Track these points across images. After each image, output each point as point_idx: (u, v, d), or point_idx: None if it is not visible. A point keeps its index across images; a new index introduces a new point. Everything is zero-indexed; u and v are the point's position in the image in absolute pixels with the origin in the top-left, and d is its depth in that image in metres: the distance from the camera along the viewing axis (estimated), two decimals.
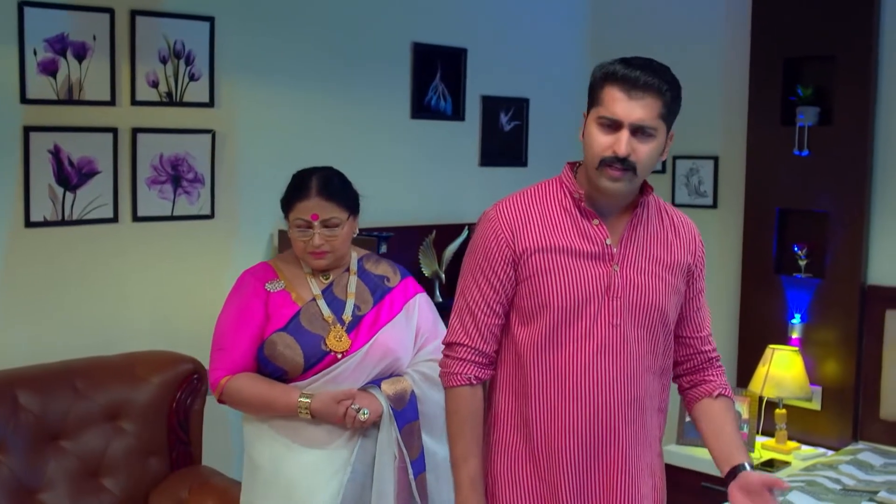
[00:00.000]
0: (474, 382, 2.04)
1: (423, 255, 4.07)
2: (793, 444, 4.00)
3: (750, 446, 3.91)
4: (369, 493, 2.45)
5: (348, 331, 2.50)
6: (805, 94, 4.08)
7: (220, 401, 2.51)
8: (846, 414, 4.01)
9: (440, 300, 4.04)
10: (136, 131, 3.30)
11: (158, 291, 3.41)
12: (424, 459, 2.52)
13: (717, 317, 4.38)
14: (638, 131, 1.90)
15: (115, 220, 3.28)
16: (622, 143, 1.89)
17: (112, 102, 3.24)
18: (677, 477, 4.04)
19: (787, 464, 3.82)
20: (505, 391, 2.06)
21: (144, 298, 3.37)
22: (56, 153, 3.12)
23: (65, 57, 3.11)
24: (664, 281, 2.02)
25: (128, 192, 3.31)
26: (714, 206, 4.50)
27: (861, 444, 3.91)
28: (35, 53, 3.05)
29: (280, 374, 2.47)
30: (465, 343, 2.03)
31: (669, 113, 1.93)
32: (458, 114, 4.34)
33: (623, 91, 1.89)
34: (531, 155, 4.66)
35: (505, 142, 4.57)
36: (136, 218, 3.33)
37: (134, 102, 3.29)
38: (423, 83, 4.20)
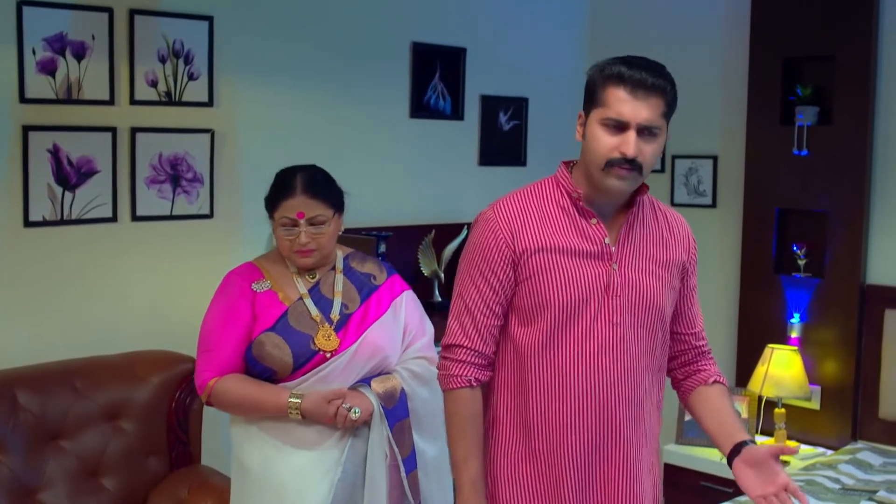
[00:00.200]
0: (474, 384, 2.03)
1: (423, 254, 4.07)
2: (792, 443, 4.00)
3: None
4: (360, 493, 2.44)
5: (336, 329, 2.49)
6: (804, 93, 4.08)
7: (208, 403, 2.49)
8: (845, 413, 4.01)
9: (439, 300, 4.04)
10: (135, 131, 3.30)
11: (157, 291, 3.41)
12: (415, 457, 2.51)
13: (716, 316, 4.41)
14: (644, 131, 1.91)
15: (114, 219, 3.28)
16: (630, 144, 1.89)
17: (111, 102, 3.24)
18: (677, 476, 4.05)
19: (786, 463, 3.82)
20: (503, 392, 2.05)
21: (143, 298, 3.37)
22: (55, 153, 3.12)
23: (64, 56, 3.11)
24: (661, 279, 2.03)
25: (127, 191, 3.31)
26: (713, 205, 4.50)
27: (860, 444, 3.92)
28: (34, 53, 3.05)
29: (269, 375, 2.45)
30: (465, 345, 2.02)
31: (670, 111, 1.95)
32: (457, 113, 4.34)
33: (629, 92, 1.89)
34: (530, 154, 4.67)
35: (504, 141, 4.57)
36: (135, 217, 3.33)
37: (133, 102, 3.29)
38: (423, 83, 4.20)
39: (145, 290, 3.38)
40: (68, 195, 3.16)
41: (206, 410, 3.18)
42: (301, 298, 2.51)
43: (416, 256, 4.06)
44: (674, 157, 4.57)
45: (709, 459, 3.96)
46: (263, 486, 2.43)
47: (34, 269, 3.13)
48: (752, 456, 1.93)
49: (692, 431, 4.10)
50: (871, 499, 3.23)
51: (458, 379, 2.02)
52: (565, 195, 2.02)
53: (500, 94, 4.52)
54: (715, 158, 4.49)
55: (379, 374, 2.51)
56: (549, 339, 1.97)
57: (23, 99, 3.05)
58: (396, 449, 2.45)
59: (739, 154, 4.34)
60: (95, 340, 3.21)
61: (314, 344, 2.45)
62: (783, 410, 3.98)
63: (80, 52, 3.14)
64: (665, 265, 2.04)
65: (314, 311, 2.50)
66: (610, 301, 1.97)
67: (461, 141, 4.40)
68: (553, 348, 1.97)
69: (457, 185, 4.37)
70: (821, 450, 3.99)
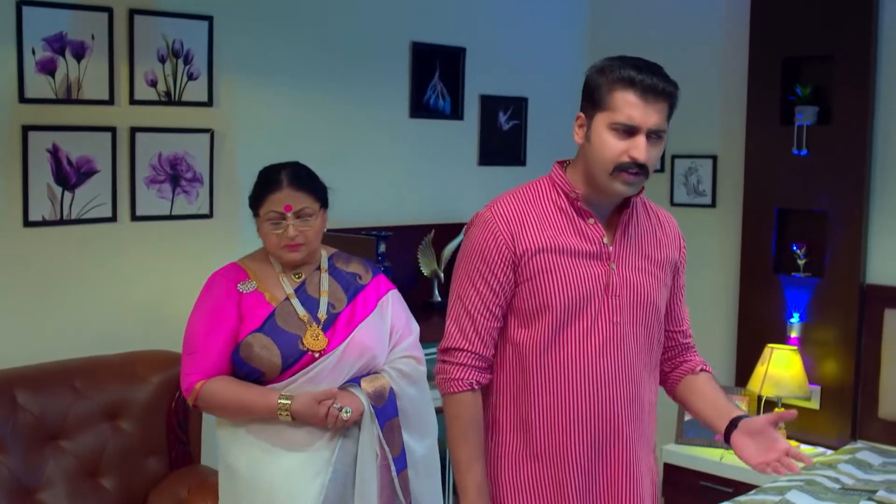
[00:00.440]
0: (475, 388, 2.02)
1: (422, 254, 4.07)
2: (792, 443, 3.99)
3: None
4: (351, 493, 2.42)
5: (324, 329, 2.47)
6: (804, 93, 4.08)
7: (195, 406, 2.46)
8: (845, 413, 4.01)
9: (439, 299, 4.04)
10: (134, 130, 3.30)
11: (157, 291, 3.40)
12: (406, 456, 2.50)
13: (715, 316, 4.41)
14: (652, 135, 1.91)
15: (113, 219, 3.28)
16: (641, 149, 1.89)
17: (111, 102, 3.24)
18: (677, 476, 4.06)
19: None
20: (503, 394, 2.05)
21: (143, 298, 3.37)
22: (55, 152, 3.12)
23: (63, 56, 3.11)
24: (656, 277, 2.05)
25: (126, 191, 3.30)
26: (713, 205, 4.49)
27: (860, 444, 3.92)
28: (33, 52, 3.05)
29: (256, 377, 2.43)
30: (465, 348, 2.01)
31: (672, 114, 1.95)
32: (456, 113, 4.34)
33: (639, 97, 1.88)
34: (530, 154, 4.67)
35: (504, 141, 4.57)
36: (134, 217, 3.33)
37: (132, 102, 3.29)
38: (422, 82, 4.20)
39: (145, 290, 3.38)
40: (68, 195, 3.16)
41: None
42: (287, 298, 2.49)
43: (415, 256, 4.06)
44: (673, 157, 4.57)
45: (708, 459, 3.96)
46: (253, 488, 2.41)
47: (34, 269, 3.13)
48: (749, 426, 1.94)
49: (692, 431, 4.10)
50: (870, 498, 3.23)
51: (460, 382, 2.01)
52: (562, 195, 2.01)
53: (500, 93, 4.52)
54: (714, 158, 4.49)
55: (367, 374, 2.50)
56: (550, 339, 1.96)
57: (22, 99, 3.05)
58: (387, 448, 2.44)
59: (739, 154, 4.34)
60: (95, 340, 3.20)
61: (302, 344, 2.43)
62: (783, 410, 3.98)
63: (79, 52, 3.14)
64: (659, 264, 2.06)
65: (301, 311, 2.48)
66: (610, 301, 1.97)
67: (461, 141, 4.40)
68: (554, 349, 1.97)
69: (456, 184, 4.37)
70: (820, 449, 3.99)
